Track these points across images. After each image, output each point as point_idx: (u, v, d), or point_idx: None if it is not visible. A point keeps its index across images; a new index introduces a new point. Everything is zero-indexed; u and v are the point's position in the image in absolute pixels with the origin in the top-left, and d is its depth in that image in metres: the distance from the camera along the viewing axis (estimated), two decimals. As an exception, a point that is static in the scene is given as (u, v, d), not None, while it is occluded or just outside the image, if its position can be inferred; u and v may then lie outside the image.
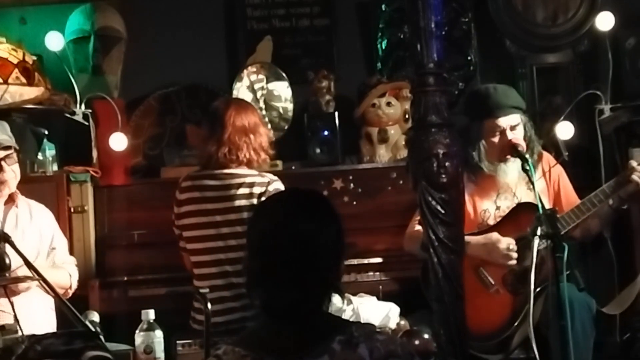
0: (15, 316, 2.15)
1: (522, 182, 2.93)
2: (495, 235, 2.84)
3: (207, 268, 2.77)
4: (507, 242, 2.82)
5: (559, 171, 3.02)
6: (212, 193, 2.79)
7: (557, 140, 3.21)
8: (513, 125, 2.91)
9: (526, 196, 2.91)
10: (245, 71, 3.61)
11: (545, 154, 3.05)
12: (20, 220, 2.79)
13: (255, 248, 1.55)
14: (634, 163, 2.82)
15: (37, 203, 2.90)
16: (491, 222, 2.95)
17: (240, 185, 2.79)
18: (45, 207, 2.91)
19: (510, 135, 2.89)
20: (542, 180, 2.97)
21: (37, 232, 2.82)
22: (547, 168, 2.99)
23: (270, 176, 2.84)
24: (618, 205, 2.85)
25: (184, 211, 2.82)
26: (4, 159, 2.72)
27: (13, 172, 2.76)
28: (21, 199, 2.83)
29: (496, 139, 2.90)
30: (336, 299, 2.45)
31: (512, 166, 2.90)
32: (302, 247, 1.50)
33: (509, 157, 2.89)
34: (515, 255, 2.81)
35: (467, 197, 2.90)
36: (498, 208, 2.96)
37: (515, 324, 2.76)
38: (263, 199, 2.73)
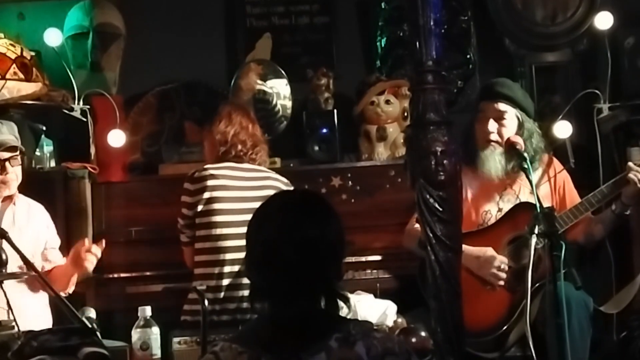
0: (12, 312, 2.15)
1: (525, 184, 2.91)
2: (489, 251, 2.83)
3: (230, 254, 2.76)
4: (499, 261, 2.81)
5: (564, 176, 3.00)
6: (239, 182, 2.83)
7: (564, 144, 3.20)
8: (499, 113, 2.90)
9: (529, 199, 2.89)
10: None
11: (554, 160, 3.04)
12: (17, 219, 2.78)
13: (259, 260, 1.53)
14: (632, 164, 2.82)
15: (35, 202, 2.88)
16: (492, 223, 2.95)
17: (267, 177, 2.87)
18: (42, 207, 2.90)
19: (492, 125, 2.89)
20: (547, 184, 2.96)
21: (34, 231, 2.81)
22: (553, 173, 2.98)
23: (284, 178, 2.94)
24: (621, 210, 2.84)
25: (205, 198, 2.80)
26: (9, 160, 2.72)
27: (15, 174, 2.76)
28: (20, 198, 2.82)
29: (479, 124, 2.93)
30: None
31: (491, 156, 2.90)
32: (308, 255, 1.50)
33: (488, 144, 2.89)
34: (504, 276, 2.80)
35: (469, 197, 2.91)
36: (500, 210, 2.95)
37: (511, 320, 2.76)
38: None
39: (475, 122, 2.96)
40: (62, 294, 2.80)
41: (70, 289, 2.87)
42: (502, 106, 2.91)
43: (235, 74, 3.64)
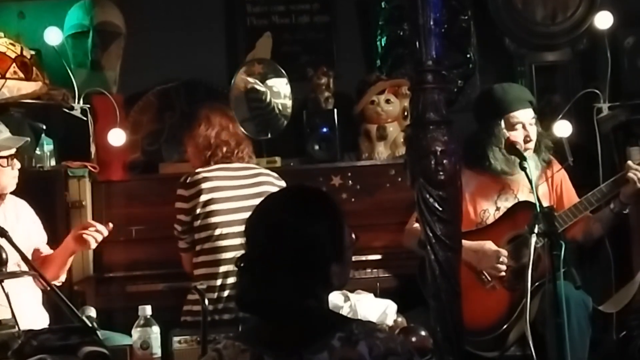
0: (12, 311, 2.15)
1: (524, 184, 2.91)
2: (488, 244, 2.84)
3: (230, 253, 2.77)
4: (498, 254, 2.82)
5: (562, 175, 3.02)
6: (232, 182, 2.85)
7: (562, 143, 3.21)
8: (531, 119, 2.93)
9: (527, 198, 2.90)
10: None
11: (553, 160, 3.04)
12: (7, 218, 2.77)
13: (254, 258, 1.54)
14: (631, 163, 2.83)
15: (19, 199, 2.85)
16: (490, 222, 2.95)
17: (258, 174, 2.89)
18: (26, 203, 2.87)
19: (529, 129, 2.91)
20: (545, 184, 2.97)
21: (24, 229, 2.79)
22: (551, 173, 2.99)
23: (274, 173, 2.96)
24: (619, 209, 2.85)
25: (202, 201, 2.81)
26: (16, 156, 2.72)
27: (17, 172, 2.77)
28: (8, 197, 2.81)
29: (517, 133, 2.91)
30: (334, 297, 2.46)
31: (530, 163, 2.87)
32: (304, 252, 1.50)
33: (527, 152, 2.90)
34: (503, 267, 2.81)
35: (467, 197, 2.91)
36: (498, 209, 2.96)
37: (511, 319, 2.77)
38: None
39: (497, 130, 2.92)
40: (56, 283, 2.81)
41: (62, 276, 2.86)
42: (530, 112, 2.94)
43: (235, 73, 3.63)
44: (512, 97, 2.94)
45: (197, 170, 2.88)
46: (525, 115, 2.92)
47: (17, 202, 2.84)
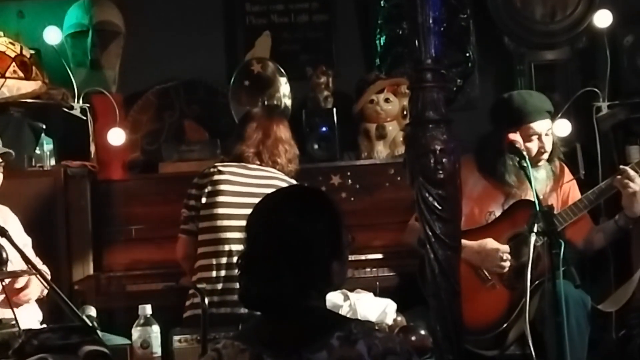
0: (12, 310, 2.15)
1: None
2: (489, 242, 2.84)
3: (231, 245, 2.77)
4: (500, 251, 2.82)
5: (570, 184, 3.01)
6: (244, 179, 2.85)
7: (575, 153, 3.21)
8: (547, 129, 2.91)
9: None
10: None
11: (565, 169, 3.04)
12: None
13: (249, 256, 1.57)
14: (626, 168, 2.82)
15: (3, 206, 2.82)
16: (491, 221, 2.95)
17: (273, 177, 2.88)
18: (9, 210, 2.83)
19: (545, 140, 2.90)
20: (554, 193, 2.97)
21: (14, 233, 2.77)
22: (561, 182, 2.98)
23: (292, 180, 2.94)
24: (624, 223, 2.85)
25: (209, 190, 2.83)
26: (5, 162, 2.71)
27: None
28: None
29: (532, 145, 2.89)
30: (333, 296, 2.46)
31: (541, 172, 2.90)
32: (301, 252, 1.51)
33: (540, 162, 2.90)
34: (507, 264, 2.82)
35: (474, 197, 2.91)
36: None
37: (511, 318, 2.77)
38: None
39: (511, 139, 2.86)
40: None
41: None
42: (548, 123, 2.92)
43: (234, 72, 3.64)
44: (532, 108, 2.90)
45: (215, 164, 2.92)
46: (542, 127, 2.89)
47: (2, 209, 2.81)
